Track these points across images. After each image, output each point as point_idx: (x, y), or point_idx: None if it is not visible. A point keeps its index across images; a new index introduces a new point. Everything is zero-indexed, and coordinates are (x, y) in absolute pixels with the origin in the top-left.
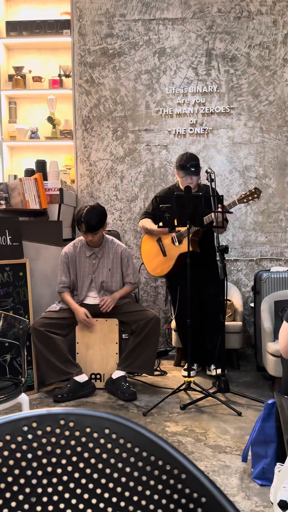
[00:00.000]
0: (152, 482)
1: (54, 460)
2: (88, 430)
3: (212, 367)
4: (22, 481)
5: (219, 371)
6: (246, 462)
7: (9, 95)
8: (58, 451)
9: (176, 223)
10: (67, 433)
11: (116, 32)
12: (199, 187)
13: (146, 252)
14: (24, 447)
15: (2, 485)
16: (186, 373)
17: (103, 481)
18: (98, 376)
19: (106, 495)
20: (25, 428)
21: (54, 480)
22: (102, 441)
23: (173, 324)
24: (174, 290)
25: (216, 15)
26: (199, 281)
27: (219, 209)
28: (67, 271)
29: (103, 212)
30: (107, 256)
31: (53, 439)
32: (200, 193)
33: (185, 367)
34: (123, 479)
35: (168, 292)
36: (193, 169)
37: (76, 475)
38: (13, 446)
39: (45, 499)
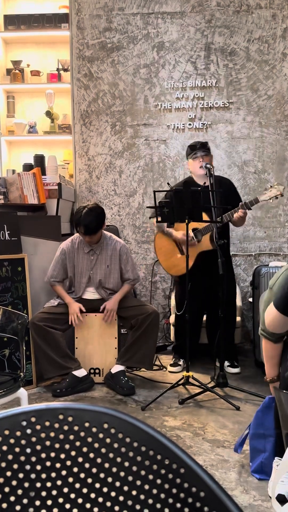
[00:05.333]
0: (150, 477)
1: (53, 454)
2: (87, 424)
3: (233, 366)
4: (21, 475)
5: (235, 370)
6: (238, 453)
7: (7, 89)
8: (57, 445)
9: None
10: (66, 427)
11: (115, 26)
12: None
13: (162, 250)
14: (23, 441)
15: (1, 480)
16: (173, 369)
17: (101, 475)
18: (97, 371)
19: (105, 489)
20: (24, 423)
21: (53, 474)
22: (100, 435)
23: (172, 319)
24: (183, 286)
25: (215, 9)
26: (212, 276)
27: (240, 206)
28: (60, 267)
29: (101, 213)
30: (105, 252)
31: (52, 434)
32: (199, 188)
33: (171, 362)
34: (122, 474)
35: (178, 288)
36: (204, 148)
37: (75, 469)
38: (12, 441)
39: (44, 493)
